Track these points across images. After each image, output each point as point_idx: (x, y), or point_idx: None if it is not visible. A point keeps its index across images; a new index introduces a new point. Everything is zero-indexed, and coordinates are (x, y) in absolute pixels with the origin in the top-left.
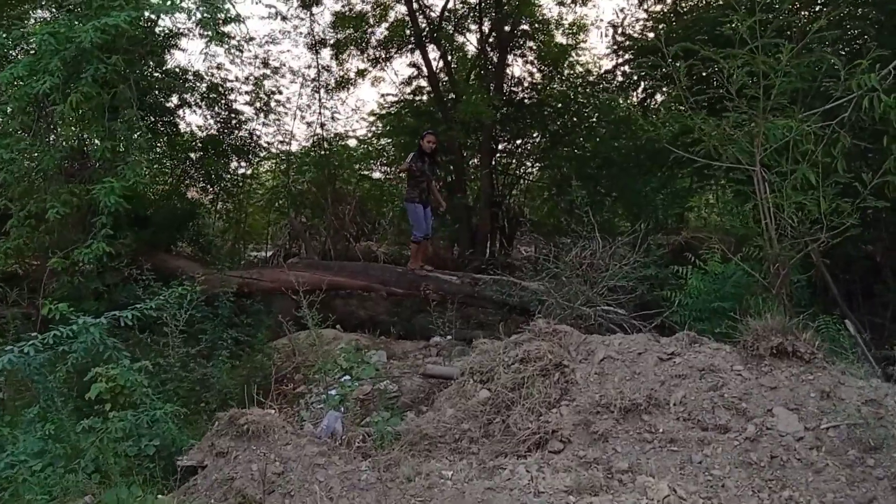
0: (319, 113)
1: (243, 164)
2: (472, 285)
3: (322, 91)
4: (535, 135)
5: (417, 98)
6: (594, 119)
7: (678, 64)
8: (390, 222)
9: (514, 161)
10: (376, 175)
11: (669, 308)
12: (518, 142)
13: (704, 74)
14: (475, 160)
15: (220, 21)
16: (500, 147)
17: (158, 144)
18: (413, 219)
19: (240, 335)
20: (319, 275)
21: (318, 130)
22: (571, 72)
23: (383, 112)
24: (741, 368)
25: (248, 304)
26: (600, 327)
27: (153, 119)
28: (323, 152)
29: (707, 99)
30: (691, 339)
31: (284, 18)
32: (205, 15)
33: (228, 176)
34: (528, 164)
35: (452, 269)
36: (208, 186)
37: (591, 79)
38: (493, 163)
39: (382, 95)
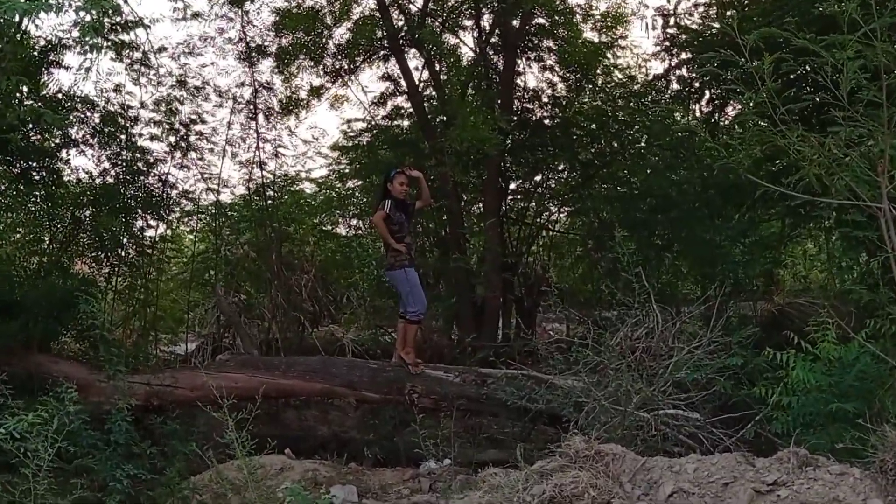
0: (258, 148)
1: (153, 222)
2: (477, 385)
3: (261, 117)
4: (560, 167)
5: (395, 123)
6: (642, 143)
7: (759, 61)
8: (362, 297)
9: (532, 205)
10: (342, 231)
11: (765, 411)
12: (537, 178)
13: (798, 74)
14: (478, 206)
15: (112, 26)
16: (511, 186)
17: (32, 200)
18: (405, 289)
19: (141, 472)
20: (261, 377)
21: (257, 172)
22: (608, 79)
23: (349, 144)
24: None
25: (157, 422)
26: (665, 441)
27: (24, 165)
28: (265, 202)
29: (804, 108)
30: (801, 460)
31: (197, 16)
32: (88, 14)
33: (132, 240)
34: (553, 208)
35: (449, 363)
36: (103, 256)
37: (635, 88)
38: (504, 208)
39: (347, 121)
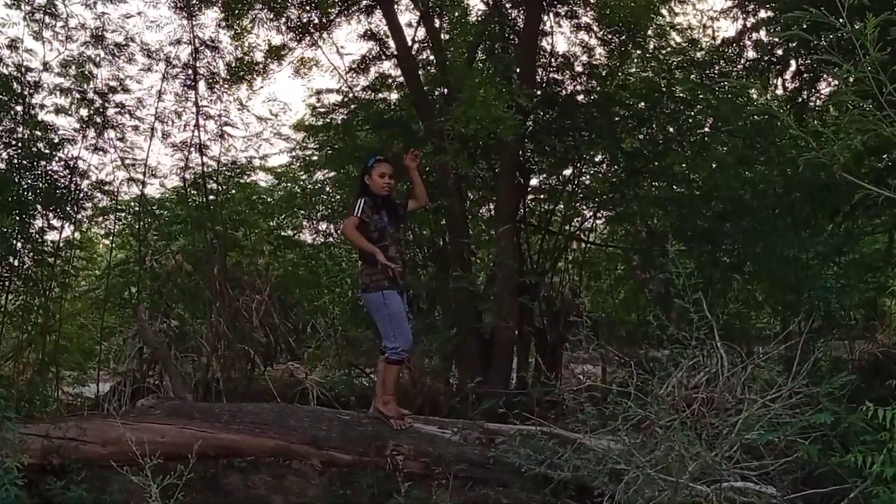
0: (197, 126)
1: (57, 222)
2: (483, 445)
3: (202, 86)
4: (597, 159)
5: (380, 96)
6: (706, 129)
7: (861, 23)
8: (332, 326)
9: (559, 208)
10: (307, 237)
11: (863, 486)
12: (566, 172)
13: None
14: (487, 207)
15: None
16: (532, 182)
17: None
18: (383, 319)
19: None
20: (195, 429)
21: (196, 158)
22: (662, 44)
23: (318, 122)
24: None
25: (57, 487)
26: None
27: None
28: (206, 198)
29: None
30: None
31: None
32: None
33: (28, 246)
34: (587, 212)
35: (446, 415)
36: None
37: (698, 55)
38: (522, 211)
39: (316, 93)
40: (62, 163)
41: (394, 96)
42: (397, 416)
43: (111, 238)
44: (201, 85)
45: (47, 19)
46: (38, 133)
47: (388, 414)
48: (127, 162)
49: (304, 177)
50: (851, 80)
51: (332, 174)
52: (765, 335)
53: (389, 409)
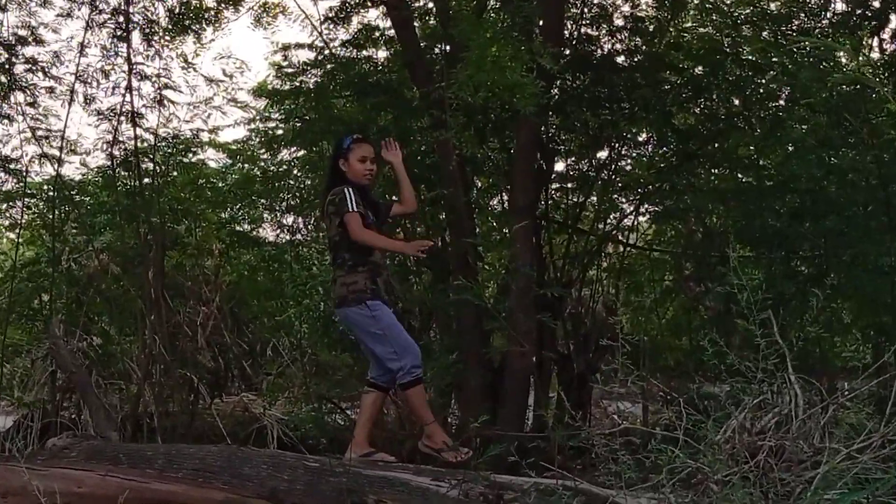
0: (130, 88)
1: None
2: (489, 502)
3: (136, 37)
4: (641, 138)
5: (364, 53)
6: (781, 102)
7: None
8: (298, 347)
9: (590, 200)
10: (268, 235)
11: None
12: (601, 155)
13: None
14: (499, 198)
15: None
16: (557, 167)
17: None
18: (376, 337)
19: None
20: (122, 477)
21: (128, 130)
22: None
23: (285, 86)
24: None
25: None
26: None
27: None
28: (140, 182)
29: None
30: None
31: None
32: None
33: None
34: (626, 206)
35: (442, 464)
36: None
37: (772, 7)
38: (543, 204)
39: (283, 48)
40: None
41: (381, 54)
42: (450, 447)
43: (17, 231)
44: (135, 36)
45: None
46: None
47: (436, 447)
48: (39, 134)
49: (265, 156)
50: None
51: (302, 153)
52: (852, 367)
53: (435, 440)
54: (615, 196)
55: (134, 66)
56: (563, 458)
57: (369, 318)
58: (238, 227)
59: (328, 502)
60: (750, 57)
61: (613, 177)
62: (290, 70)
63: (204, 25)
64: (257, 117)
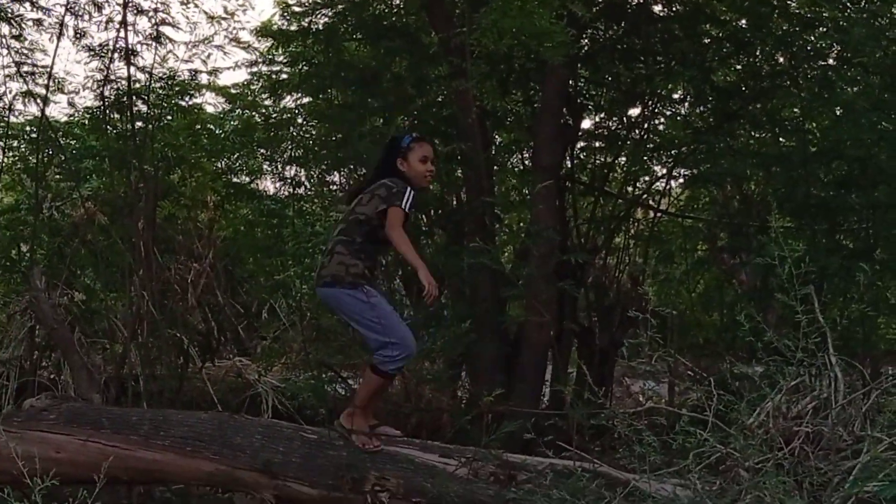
0: (124, 24)
1: None
2: (500, 482)
3: None
4: (676, 95)
5: None
6: (830, 60)
7: None
8: (297, 309)
9: (620, 161)
10: (268, 187)
11: None
12: (633, 112)
13: None
14: (521, 156)
15: None
16: (585, 125)
17: None
18: (372, 323)
19: None
20: (104, 443)
21: (121, 68)
22: None
23: (290, 27)
24: None
25: None
26: None
27: None
28: (132, 125)
29: None
30: None
31: None
32: None
33: None
34: (657, 168)
35: (450, 440)
36: None
37: None
38: (569, 164)
39: None
40: None
41: None
42: (364, 436)
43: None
44: None
45: None
46: None
47: (349, 427)
48: (24, 69)
49: (268, 102)
50: None
51: (307, 100)
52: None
53: (355, 420)
54: (646, 157)
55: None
56: (581, 438)
57: (365, 304)
58: (236, 178)
59: (326, 477)
60: (798, 10)
61: (645, 136)
62: (298, 9)
63: None
64: (260, 60)
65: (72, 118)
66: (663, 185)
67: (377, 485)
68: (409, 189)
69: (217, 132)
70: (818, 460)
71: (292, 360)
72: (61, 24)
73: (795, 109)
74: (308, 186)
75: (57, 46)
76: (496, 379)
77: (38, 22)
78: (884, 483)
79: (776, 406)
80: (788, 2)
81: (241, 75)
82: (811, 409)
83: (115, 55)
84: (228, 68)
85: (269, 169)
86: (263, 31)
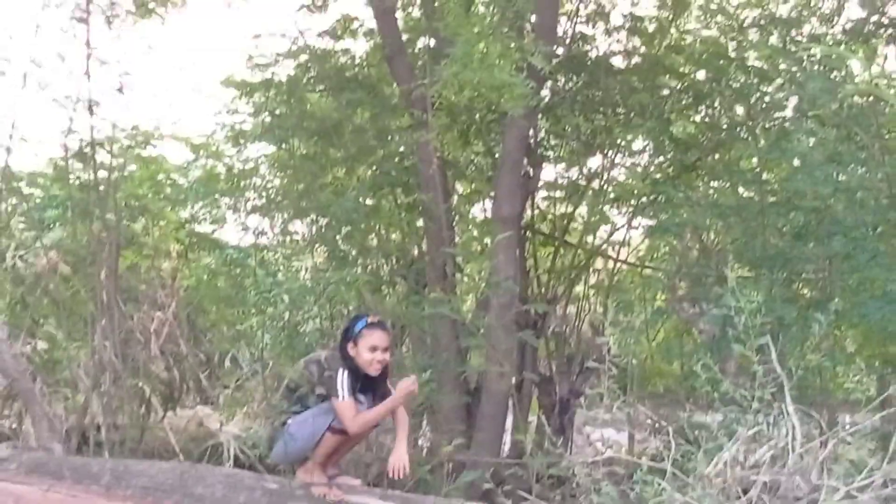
0: (88, 73)
1: None
2: None
3: (97, 20)
4: (636, 146)
5: (341, 45)
6: (787, 113)
7: None
8: (259, 359)
9: (580, 211)
10: (230, 237)
11: None
12: (593, 163)
13: None
14: (482, 206)
15: None
16: (546, 175)
17: None
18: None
19: None
20: (66, 493)
21: (84, 119)
22: None
23: (255, 78)
24: None
25: None
26: None
27: None
28: (94, 176)
29: None
30: None
31: None
32: None
33: None
34: (618, 218)
35: (411, 489)
36: None
37: (781, 11)
38: (530, 213)
39: (255, 36)
40: None
41: (360, 47)
42: (323, 484)
43: None
44: (95, 17)
45: None
46: None
47: (308, 479)
48: None
49: (231, 152)
50: None
51: (271, 150)
52: (854, 400)
53: (315, 474)
54: (606, 208)
55: (92, 50)
56: (541, 487)
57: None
58: (198, 228)
59: None
60: (756, 63)
61: (605, 187)
62: (261, 60)
63: (169, 6)
64: (224, 110)
65: (35, 169)
66: (623, 235)
67: None
68: (342, 373)
69: (180, 182)
70: None
71: (254, 410)
72: (25, 76)
73: (753, 160)
74: (270, 236)
75: (20, 96)
76: (457, 428)
77: (1, 72)
78: None
79: (733, 455)
80: (746, 55)
81: (205, 125)
82: (768, 458)
83: (78, 106)
84: (192, 118)
85: (232, 218)
86: (228, 81)
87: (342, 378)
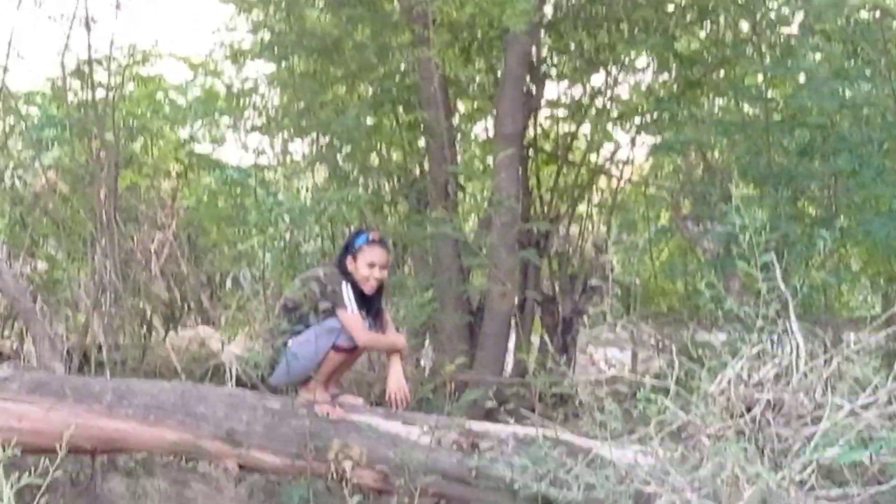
0: None
1: None
2: (463, 451)
3: None
4: (640, 63)
5: None
6: (793, 28)
7: None
8: (260, 279)
9: (583, 129)
10: (230, 156)
11: None
12: (597, 81)
13: None
14: (483, 124)
15: None
16: (548, 93)
17: None
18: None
19: None
20: (67, 412)
21: (82, 37)
22: None
23: None
24: None
25: None
26: None
27: None
28: (92, 95)
29: None
30: None
31: None
32: None
33: None
34: (622, 136)
35: (414, 409)
36: None
37: None
38: (532, 132)
39: None
40: None
41: None
42: (325, 402)
43: None
44: None
45: None
46: None
47: (311, 398)
48: None
49: (230, 70)
50: None
51: (271, 69)
52: (859, 317)
53: (317, 392)
54: (609, 126)
55: None
56: (544, 407)
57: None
58: (198, 148)
59: (289, 446)
60: None
61: (609, 105)
62: None
63: None
64: (222, 27)
65: (32, 88)
66: (626, 153)
67: (340, 453)
68: (345, 286)
69: (179, 101)
70: (779, 427)
71: (255, 330)
72: None
73: (758, 77)
74: (271, 155)
75: (17, 12)
76: (459, 348)
77: None
78: (844, 449)
79: (737, 373)
80: None
81: (205, 44)
82: (772, 377)
83: (76, 22)
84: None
85: (232, 138)
86: None
87: (347, 290)
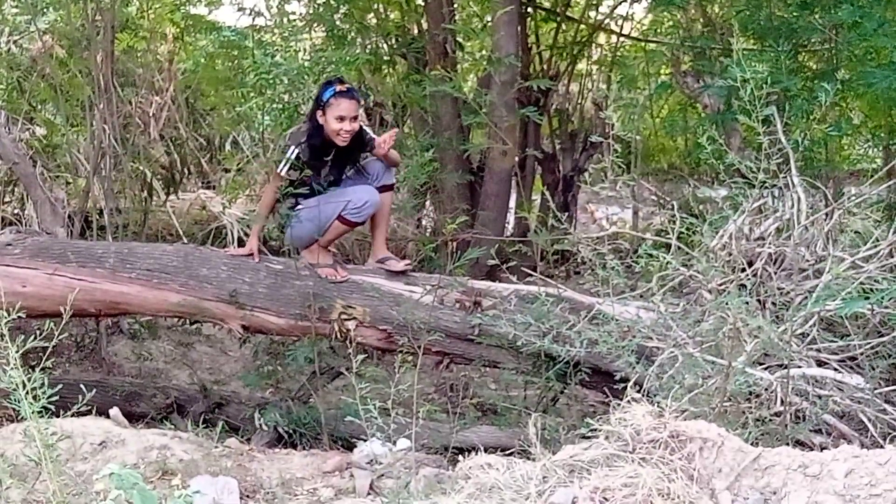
0: None
1: None
2: (465, 309)
3: None
4: None
5: None
6: None
7: None
8: (260, 141)
9: None
10: (227, 18)
11: None
12: None
13: None
14: None
15: None
16: None
17: None
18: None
19: None
20: (70, 276)
21: None
22: None
23: None
24: None
25: None
26: (799, 423)
27: None
28: None
29: None
30: None
31: None
32: None
33: None
34: None
35: (416, 269)
36: None
37: None
38: None
39: None
40: None
41: None
42: (326, 267)
43: None
44: None
45: None
46: None
47: (313, 261)
48: None
49: None
50: None
51: None
52: (860, 171)
53: (320, 256)
54: None
55: None
56: (545, 264)
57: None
58: (194, 10)
59: (292, 307)
60: None
61: None
62: None
63: None
64: None
65: None
66: (626, 8)
67: (344, 313)
68: (292, 148)
69: None
70: (780, 280)
71: (256, 192)
72: None
73: None
74: (268, 16)
75: None
76: (460, 207)
77: None
78: (845, 301)
79: (739, 228)
80: None
81: None
82: (774, 231)
83: None
84: None
85: None
86: None
87: (289, 154)
